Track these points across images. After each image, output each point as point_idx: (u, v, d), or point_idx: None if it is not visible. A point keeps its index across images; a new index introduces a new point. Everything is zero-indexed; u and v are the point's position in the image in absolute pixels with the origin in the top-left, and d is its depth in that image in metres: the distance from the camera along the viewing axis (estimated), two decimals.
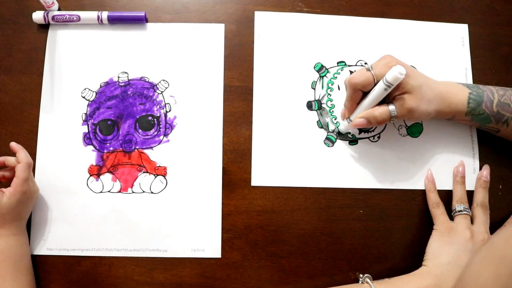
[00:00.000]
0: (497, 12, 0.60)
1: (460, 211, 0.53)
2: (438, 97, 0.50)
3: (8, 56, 0.58)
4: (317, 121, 0.57)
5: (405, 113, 0.49)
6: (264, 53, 0.58)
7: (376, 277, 0.52)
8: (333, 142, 0.56)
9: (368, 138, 0.57)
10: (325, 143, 0.56)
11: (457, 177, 0.55)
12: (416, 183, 0.56)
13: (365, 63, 0.58)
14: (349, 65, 0.58)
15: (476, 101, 0.51)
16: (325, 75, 0.58)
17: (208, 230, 0.54)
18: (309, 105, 0.57)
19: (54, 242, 0.53)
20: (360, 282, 0.53)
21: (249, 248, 0.54)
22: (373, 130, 0.57)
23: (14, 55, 0.58)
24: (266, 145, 0.56)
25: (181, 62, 0.58)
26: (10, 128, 0.56)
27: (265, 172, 0.55)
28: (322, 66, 0.58)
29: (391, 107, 0.49)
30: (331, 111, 0.57)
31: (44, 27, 0.58)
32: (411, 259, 0.54)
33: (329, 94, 0.57)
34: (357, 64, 0.58)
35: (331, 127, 0.57)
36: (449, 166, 0.56)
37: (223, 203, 0.55)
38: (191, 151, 0.56)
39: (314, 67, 0.58)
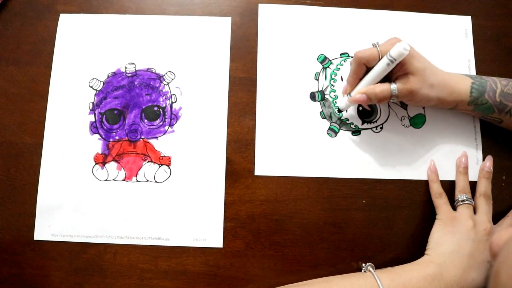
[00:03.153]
0: (500, 4, 0.60)
1: (463, 200, 0.53)
2: (441, 84, 0.50)
3: (16, 48, 0.59)
4: (320, 112, 0.57)
5: (406, 94, 0.49)
6: (268, 45, 0.59)
7: (378, 266, 0.53)
8: (336, 133, 0.57)
9: (371, 128, 0.57)
10: (328, 133, 0.57)
11: (460, 168, 0.55)
12: (418, 174, 0.56)
13: None
14: (352, 57, 0.58)
15: (479, 90, 0.51)
16: (328, 67, 0.58)
17: (210, 220, 0.54)
18: (312, 96, 0.58)
19: (58, 228, 0.54)
20: (362, 271, 0.53)
21: (252, 237, 0.54)
22: (376, 121, 0.57)
23: (22, 47, 0.59)
24: (269, 135, 0.56)
25: (188, 54, 0.59)
26: (19, 119, 0.57)
27: (269, 162, 0.56)
28: (326, 58, 0.58)
29: (393, 86, 0.49)
30: (334, 102, 0.57)
31: (52, 20, 0.59)
32: (414, 248, 0.54)
33: (332, 85, 0.58)
34: None
35: (334, 118, 0.57)
36: (452, 157, 0.56)
37: (226, 193, 0.55)
38: (196, 142, 0.56)
39: (317, 59, 0.58)
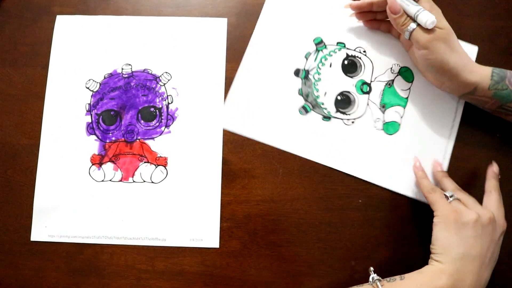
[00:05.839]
0: (494, 4, 0.60)
1: (452, 196, 0.50)
2: (462, 57, 0.50)
3: (13, 50, 0.59)
4: (299, 89, 0.58)
5: (425, 39, 0.49)
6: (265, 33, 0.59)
7: (375, 266, 0.51)
8: (306, 112, 0.57)
9: (343, 119, 0.57)
10: (299, 110, 0.57)
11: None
12: (377, 179, 0.56)
13: (364, 51, 0.59)
14: (348, 48, 0.59)
15: (500, 75, 0.50)
16: (321, 50, 0.59)
17: (207, 221, 0.54)
18: (296, 72, 0.58)
19: (55, 229, 0.54)
20: (370, 282, 0.49)
21: (249, 237, 0.54)
22: (350, 114, 0.57)
23: (19, 49, 0.59)
24: (243, 94, 0.57)
25: (184, 55, 0.59)
26: (15, 120, 0.57)
27: (237, 119, 0.57)
28: (322, 41, 0.59)
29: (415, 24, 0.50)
30: (315, 83, 0.58)
31: (49, 21, 0.60)
32: (410, 248, 0.54)
33: (319, 68, 0.58)
34: (356, 50, 0.59)
35: (310, 98, 0.57)
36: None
37: (222, 193, 0.55)
38: (192, 142, 0.56)
39: (314, 40, 0.59)
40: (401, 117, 0.57)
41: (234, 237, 0.54)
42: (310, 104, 0.57)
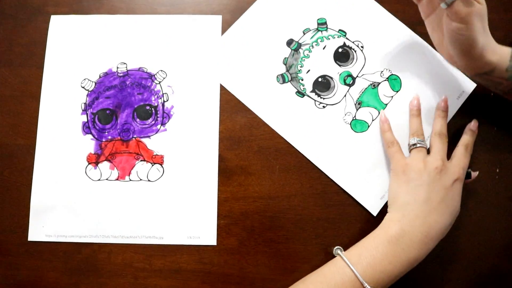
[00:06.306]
0: None
1: (414, 144, 0.52)
2: (488, 38, 0.48)
3: (8, 50, 0.59)
4: (285, 58, 0.58)
5: (464, 11, 0.44)
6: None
7: None
8: (283, 81, 0.58)
9: (315, 100, 0.57)
10: (277, 77, 0.58)
11: (413, 111, 0.54)
12: (333, 173, 0.56)
13: (362, 46, 0.59)
14: (347, 38, 0.59)
15: None
16: (321, 31, 0.59)
17: (203, 218, 0.54)
18: (289, 42, 0.59)
19: (52, 228, 0.54)
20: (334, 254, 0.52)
21: (246, 234, 0.54)
22: (325, 98, 0.57)
23: (14, 49, 0.59)
24: (237, 49, 0.59)
25: (179, 53, 0.59)
26: (11, 120, 0.57)
27: (233, 77, 0.58)
28: (325, 23, 0.59)
29: None
30: (302, 58, 0.58)
31: (43, 21, 0.60)
32: None
33: (312, 46, 0.58)
34: (354, 42, 0.58)
35: (292, 70, 0.58)
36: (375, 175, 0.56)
37: (219, 190, 0.55)
38: (188, 140, 0.56)
39: (318, 20, 0.59)
40: (373, 120, 0.57)
41: (231, 234, 0.54)
42: (290, 75, 0.57)
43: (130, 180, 0.55)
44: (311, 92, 0.57)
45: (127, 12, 0.60)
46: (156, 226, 0.54)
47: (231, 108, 0.57)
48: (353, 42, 0.58)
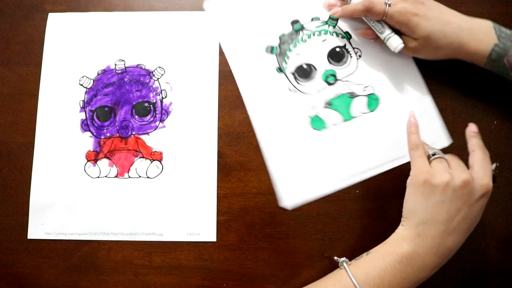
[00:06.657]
0: None
1: (434, 154, 0.46)
2: (452, 46, 0.48)
3: (5, 48, 0.59)
4: (282, 34, 0.59)
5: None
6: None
7: None
8: (271, 52, 0.58)
9: (291, 82, 0.57)
10: (266, 46, 0.58)
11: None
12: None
13: (360, 55, 0.58)
14: (349, 42, 0.58)
15: (499, 54, 0.48)
16: (330, 25, 0.59)
17: (203, 214, 0.54)
18: (294, 22, 0.59)
19: (52, 226, 0.54)
20: (339, 267, 0.49)
21: (246, 230, 0.54)
22: (299, 83, 0.57)
23: (12, 47, 0.59)
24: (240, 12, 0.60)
25: (177, 49, 0.59)
26: (9, 118, 0.57)
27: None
28: (337, 20, 0.59)
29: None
30: (298, 41, 0.58)
31: (41, 19, 0.59)
32: None
33: (313, 34, 0.58)
34: (354, 49, 0.58)
35: (283, 46, 0.58)
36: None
37: (219, 186, 0.55)
38: (187, 136, 0.56)
39: (331, 15, 0.58)
40: (333, 124, 0.56)
41: (231, 230, 0.54)
42: (279, 49, 0.58)
43: (129, 177, 0.55)
44: (290, 73, 0.57)
45: (124, 9, 0.60)
46: (155, 222, 0.54)
47: (230, 104, 0.57)
48: (353, 48, 0.58)
